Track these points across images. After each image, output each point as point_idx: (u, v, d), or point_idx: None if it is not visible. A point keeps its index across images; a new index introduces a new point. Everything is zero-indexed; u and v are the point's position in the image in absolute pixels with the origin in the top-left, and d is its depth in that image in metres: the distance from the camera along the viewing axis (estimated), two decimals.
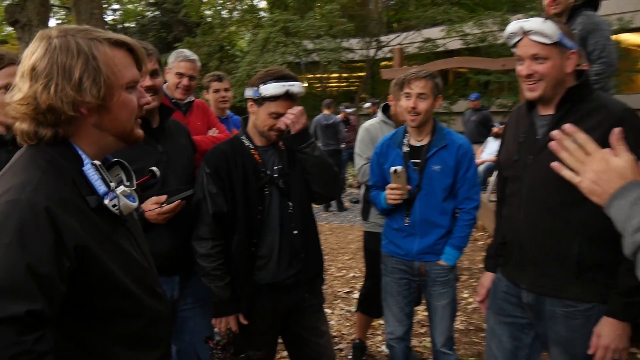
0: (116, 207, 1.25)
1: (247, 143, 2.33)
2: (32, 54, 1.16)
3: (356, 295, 4.59)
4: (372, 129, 3.37)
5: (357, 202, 9.03)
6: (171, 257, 2.25)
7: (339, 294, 5.01)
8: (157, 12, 21.37)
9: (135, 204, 1.33)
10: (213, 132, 3.22)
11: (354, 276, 5.49)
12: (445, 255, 2.68)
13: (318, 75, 18.32)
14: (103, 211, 1.22)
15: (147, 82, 2.20)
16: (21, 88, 1.16)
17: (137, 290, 1.28)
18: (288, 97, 2.21)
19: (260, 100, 2.23)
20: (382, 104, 3.54)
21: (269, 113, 2.23)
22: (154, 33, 20.51)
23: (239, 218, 2.25)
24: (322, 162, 2.31)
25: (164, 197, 2.15)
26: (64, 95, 1.14)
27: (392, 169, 2.61)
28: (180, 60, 3.14)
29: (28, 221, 1.05)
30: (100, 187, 1.22)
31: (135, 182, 1.39)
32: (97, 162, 1.23)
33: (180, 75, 3.11)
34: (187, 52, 3.19)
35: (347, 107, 10.73)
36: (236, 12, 18.83)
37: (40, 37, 1.18)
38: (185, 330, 2.38)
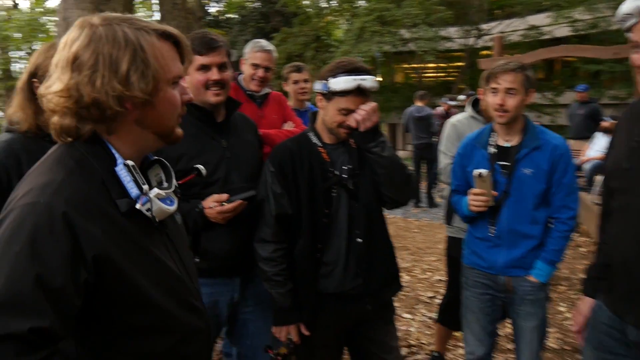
0: (150, 212, 1.15)
1: (314, 140, 2.18)
2: (73, 42, 1.08)
3: (440, 301, 4.32)
4: (459, 125, 3.10)
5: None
6: (232, 258, 2.18)
7: (422, 298, 4.75)
8: (257, 3, 21.84)
9: (173, 208, 1.22)
10: (288, 126, 3.10)
11: (439, 280, 5.18)
12: (535, 270, 2.39)
13: (414, 65, 17.82)
14: (135, 216, 1.13)
15: (215, 75, 2.13)
16: (60, 78, 1.07)
17: (168, 304, 1.18)
18: (359, 92, 2.02)
19: (330, 95, 2.07)
20: (472, 98, 3.23)
21: (339, 109, 2.06)
22: (254, 23, 21.00)
23: (304, 221, 2.11)
24: (393, 164, 2.11)
25: (225, 196, 2.06)
26: (111, 88, 1.06)
27: (476, 172, 2.35)
28: (256, 51, 3.04)
29: (42, 227, 0.96)
30: (133, 190, 1.12)
31: (175, 183, 1.29)
32: (130, 162, 1.13)
33: (256, 66, 3.01)
34: (263, 42, 3.08)
35: (450, 99, 10.19)
36: (333, 1, 18.78)
37: (81, 25, 1.10)
38: (246, 333, 2.30)
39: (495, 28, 16.25)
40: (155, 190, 1.17)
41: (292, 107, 3.46)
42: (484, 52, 15.38)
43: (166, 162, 1.31)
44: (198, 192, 2.09)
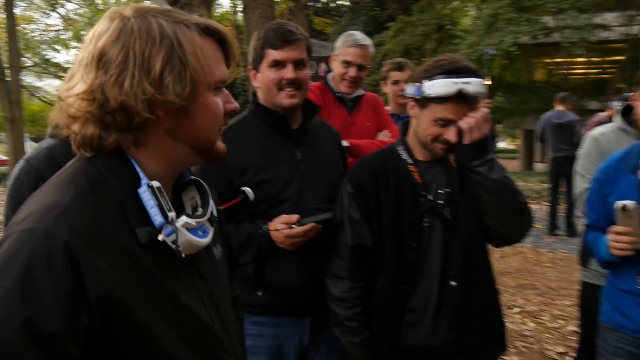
0: (176, 244, 1.07)
1: (404, 156, 2.03)
2: (101, 36, 1.03)
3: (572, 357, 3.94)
4: (602, 139, 2.79)
5: None
6: (302, 294, 2.10)
7: (549, 353, 4.36)
8: None
9: (205, 240, 1.15)
10: (384, 136, 2.98)
11: (574, 331, 4.74)
12: None
13: (558, 60, 16.86)
14: (158, 249, 1.06)
15: (289, 73, 2.07)
16: (83, 78, 1.03)
17: (190, 357, 1.10)
18: (461, 99, 1.85)
19: (424, 101, 1.91)
20: (622, 106, 2.88)
21: (434, 119, 1.90)
22: (366, 11, 21.11)
23: (386, 255, 1.98)
24: (503, 188, 1.90)
25: (295, 217, 1.98)
26: (141, 91, 1.00)
27: (620, 204, 2.07)
28: (348, 46, 2.93)
29: (38, 259, 0.91)
30: (156, 217, 1.05)
31: (212, 209, 1.21)
32: (155, 184, 1.06)
33: (347, 64, 2.91)
34: (357, 36, 2.97)
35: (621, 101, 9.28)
36: None
37: (111, 16, 1.06)
38: None
39: None
40: (183, 219, 1.09)
41: (390, 113, 3.32)
42: None
43: (203, 183, 1.24)
44: (265, 211, 2.04)
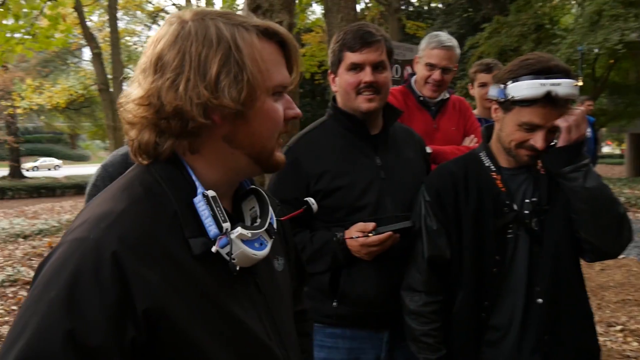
0: (230, 256, 1.04)
1: (487, 163, 1.91)
2: (159, 40, 1.03)
3: None
4: None
5: None
6: (379, 306, 2.03)
7: None
8: None
9: (262, 253, 1.10)
10: (470, 141, 2.85)
11: None
12: None
13: None
14: (213, 261, 1.03)
15: (367, 76, 2.01)
16: (141, 83, 1.03)
17: None
18: (550, 102, 1.71)
19: (508, 104, 1.80)
20: None
21: (519, 123, 1.77)
22: (460, 13, 20.64)
23: (466, 268, 1.87)
24: (599, 198, 1.75)
25: (371, 225, 1.92)
26: (196, 95, 0.99)
27: None
28: (432, 47, 2.82)
29: (86, 270, 0.91)
30: (211, 227, 1.02)
31: (271, 219, 1.17)
32: (211, 193, 1.04)
33: (431, 66, 2.80)
34: (442, 37, 2.85)
35: None
36: None
37: (170, 20, 1.06)
38: None
39: None
40: (238, 230, 1.05)
41: (477, 117, 3.17)
42: None
43: (263, 193, 1.20)
44: (342, 218, 2.00)
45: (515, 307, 1.84)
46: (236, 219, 1.10)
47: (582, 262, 1.91)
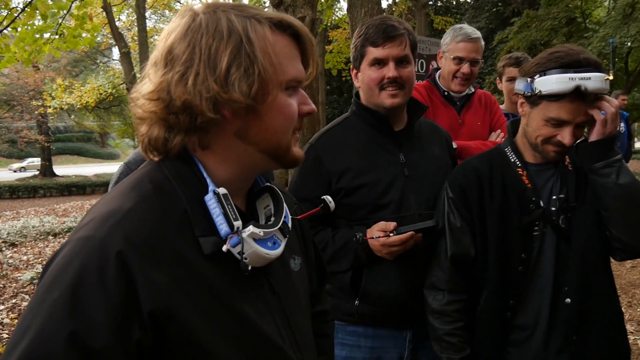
0: (243, 256, 1.01)
1: (512, 158, 1.86)
2: (170, 33, 1.02)
3: None
4: None
5: None
6: (402, 305, 2.00)
7: None
8: None
9: (275, 252, 1.07)
10: (496, 137, 2.79)
11: None
12: None
13: None
14: (224, 261, 1.00)
15: (391, 71, 1.97)
16: (151, 78, 1.02)
17: None
18: (578, 97, 1.66)
19: (535, 99, 1.74)
20: None
21: (546, 118, 1.73)
22: (489, 7, 20.37)
23: (491, 267, 1.83)
24: (632, 195, 1.70)
25: (392, 225, 1.89)
26: (205, 89, 0.96)
27: None
28: (459, 40, 2.77)
29: (90, 270, 0.88)
30: (222, 226, 0.99)
31: (286, 217, 1.14)
32: (222, 190, 1.01)
33: (459, 60, 2.76)
34: (467, 29, 2.81)
35: None
36: None
37: (182, 13, 1.04)
38: None
39: None
40: (250, 229, 1.02)
41: (504, 112, 3.11)
42: None
43: (277, 190, 1.17)
44: (365, 217, 1.97)
45: (541, 306, 1.79)
46: (249, 217, 1.07)
47: (612, 260, 1.86)
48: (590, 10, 18.95)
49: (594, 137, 1.70)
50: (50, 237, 9.62)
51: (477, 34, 2.81)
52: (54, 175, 29.29)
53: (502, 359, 1.84)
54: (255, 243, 1.02)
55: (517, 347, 1.82)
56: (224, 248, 0.99)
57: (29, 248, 8.76)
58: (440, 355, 1.89)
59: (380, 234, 1.88)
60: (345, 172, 1.98)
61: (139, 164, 1.90)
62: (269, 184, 1.18)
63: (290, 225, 1.14)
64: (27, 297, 6.02)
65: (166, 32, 1.03)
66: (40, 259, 7.80)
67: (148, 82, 1.02)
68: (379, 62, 1.98)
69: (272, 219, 1.12)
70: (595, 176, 1.73)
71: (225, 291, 1.00)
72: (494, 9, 20.19)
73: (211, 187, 1.02)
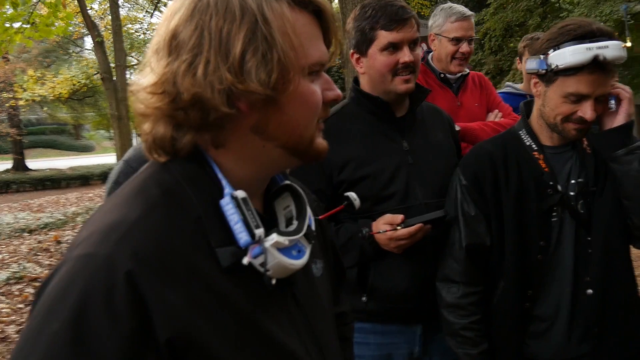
0: (264, 267, 0.88)
1: (528, 142, 1.78)
2: (173, 15, 0.87)
3: None
4: None
5: None
6: (411, 300, 1.91)
7: None
8: None
9: (301, 261, 0.94)
10: (494, 117, 2.72)
11: None
12: None
13: None
14: (244, 273, 0.87)
15: (407, 56, 1.87)
16: (154, 68, 0.87)
17: None
18: (598, 68, 1.59)
19: (551, 75, 1.66)
20: None
21: (565, 94, 1.64)
22: None
23: (508, 256, 1.75)
24: None
25: (399, 217, 1.79)
26: (217, 79, 0.82)
27: None
28: (454, 21, 2.68)
29: (94, 295, 0.75)
30: (241, 235, 0.86)
31: (311, 220, 1.01)
32: (241, 194, 0.88)
33: (457, 40, 2.67)
34: (459, 7, 2.74)
35: None
36: None
37: None
38: None
39: None
40: (274, 238, 0.89)
41: (522, 93, 3.04)
42: None
43: (298, 189, 1.03)
44: (369, 209, 1.87)
45: (561, 296, 1.73)
46: (268, 221, 0.94)
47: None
48: None
49: (622, 118, 1.64)
50: (26, 234, 9.27)
51: (469, 11, 2.75)
52: (27, 169, 28.64)
53: (521, 352, 1.77)
54: (279, 253, 0.89)
55: (536, 339, 1.76)
56: (245, 260, 0.86)
57: (3, 246, 8.42)
58: (456, 351, 1.81)
59: (387, 228, 1.78)
60: (346, 164, 1.88)
61: (140, 162, 1.73)
62: (288, 182, 1.04)
63: (314, 228, 1.02)
64: (3, 298, 5.78)
65: (168, 13, 0.88)
66: (16, 258, 7.51)
67: (150, 72, 0.87)
68: (394, 47, 1.87)
69: (295, 222, 0.98)
70: (617, 164, 1.67)
71: (248, 309, 0.87)
72: None
73: (227, 189, 0.88)
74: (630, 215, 1.69)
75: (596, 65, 1.58)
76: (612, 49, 1.58)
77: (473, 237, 1.78)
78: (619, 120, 1.66)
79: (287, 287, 0.96)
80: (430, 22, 2.82)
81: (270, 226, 0.91)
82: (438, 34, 2.74)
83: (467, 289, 1.79)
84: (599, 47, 1.57)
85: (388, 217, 1.81)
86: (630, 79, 19.17)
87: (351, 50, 1.99)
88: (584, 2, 14.56)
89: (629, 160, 1.64)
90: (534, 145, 1.77)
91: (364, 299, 1.89)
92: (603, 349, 1.72)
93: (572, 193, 1.73)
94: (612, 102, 1.69)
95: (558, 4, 17.49)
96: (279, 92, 0.86)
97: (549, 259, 1.73)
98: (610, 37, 1.61)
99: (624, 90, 1.64)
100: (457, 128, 2.29)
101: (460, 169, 1.84)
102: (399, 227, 1.77)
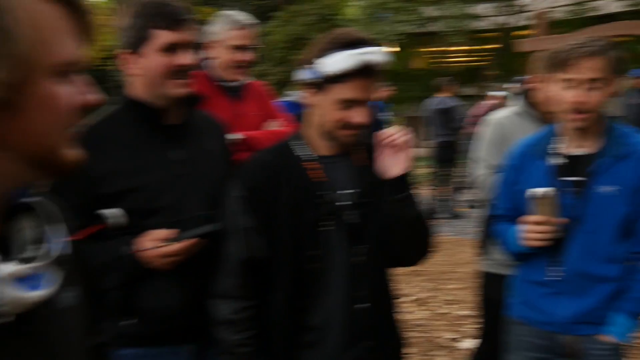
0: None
1: (300, 151, 1.80)
2: None
3: (466, 345, 3.92)
4: (507, 124, 2.79)
5: (474, 207, 8.12)
6: (181, 318, 1.80)
7: (440, 341, 4.29)
8: None
9: (39, 294, 0.78)
10: (277, 126, 2.73)
11: (463, 315, 4.70)
12: (612, 326, 2.07)
13: (436, 49, 17.55)
14: None
15: (184, 58, 1.78)
16: None
17: None
18: (367, 73, 1.67)
19: (322, 84, 1.69)
20: (521, 89, 2.90)
21: (337, 102, 1.68)
22: (256, 0, 20.69)
23: (282, 267, 1.73)
24: (417, 223, 1.82)
25: (169, 232, 1.69)
26: None
27: (535, 191, 2.02)
28: (234, 29, 2.66)
29: None
30: None
31: (57, 245, 0.83)
32: None
33: (238, 48, 2.64)
34: (239, 16, 2.73)
35: (500, 90, 9.49)
36: None
37: None
38: None
39: (535, 4, 15.95)
40: (9, 268, 0.75)
41: None
42: (520, 32, 15.03)
43: (42, 205, 0.85)
44: (136, 224, 1.72)
45: (333, 305, 1.75)
46: (4, 246, 0.79)
47: None
48: (342, 9, 20.54)
49: (399, 169, 1.74)
50: None
51: (251, 19, 2.74)
52: None
53: None
54: (15, 285, 0.75)
55: (310, 349, 1.75)
56: None
57: None
58: None
59: (154, 244, 1.67)
60: (107, 176, 1.72)
61: None
62: (28, 200, 0.86)
63: (61, 251, 0.85)
64: None
65: None
66: None
67: None
68: (172, 48, 1.76)
69: (30, 247, 0.81)
70: (395, 207, 1.76)
71: None
72: (255, 2, 20.61)
73: None
74: (394, 247, 1.82)
75: (365, 71, 1.65)
76: (378, 55, 1.67)
77: (249, 249, 1.72)
78: (397, 171, 1.75)
79: (28, 324, 0.81)
80: (211, 29, 2.76)
81: (7, 252, 0.76)
82: (218, 40, 2.69)
83: (242, 304, 1.73)
84: (366, 53, 1.64)
85: (155, 232, 1.70)
86: (399, 93, 21.34)
87: (124, 49, 1.81)
88: (360, 21, 15.86)
89: (407, 203, 1.76)
90: (305, 155, 1.77)
91: (130, 322, 1.73)
92: (371, 352, 1.77)
93: (345, 203, 1.75)
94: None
95: (335, 21, 18.88)
96: (16, 93, 0.73)
97: (320, 269, 1.73)
98: (373, 44, 1.69)
99: (356, 111, 1.71)
100: (240, 136, 2.26)
101: (236, 180, 1.78)
102: (170, 243, 1.66)
